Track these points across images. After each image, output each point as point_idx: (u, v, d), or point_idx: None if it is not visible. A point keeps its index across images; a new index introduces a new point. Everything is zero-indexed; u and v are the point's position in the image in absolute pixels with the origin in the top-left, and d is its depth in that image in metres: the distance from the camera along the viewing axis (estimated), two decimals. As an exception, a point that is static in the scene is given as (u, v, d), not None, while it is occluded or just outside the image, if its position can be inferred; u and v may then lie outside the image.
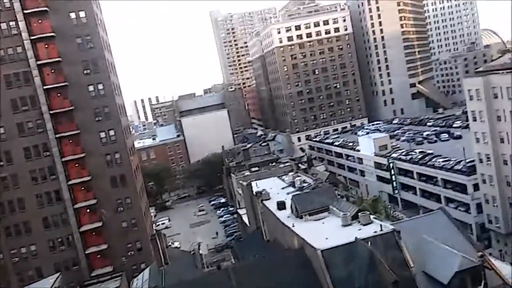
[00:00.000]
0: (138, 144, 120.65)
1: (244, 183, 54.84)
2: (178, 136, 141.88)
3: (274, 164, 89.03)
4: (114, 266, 55.48)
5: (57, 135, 54.71)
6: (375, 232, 29.08)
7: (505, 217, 58.13)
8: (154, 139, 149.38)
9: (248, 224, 60.19)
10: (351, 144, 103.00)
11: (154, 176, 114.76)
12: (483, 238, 62.52)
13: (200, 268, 45.27)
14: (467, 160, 65.67)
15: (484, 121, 58.67)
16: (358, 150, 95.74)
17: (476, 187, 62.66)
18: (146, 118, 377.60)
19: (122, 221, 57.12)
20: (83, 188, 56.08)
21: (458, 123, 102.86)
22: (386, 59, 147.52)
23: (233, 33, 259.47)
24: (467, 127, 79.46)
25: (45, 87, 54.15)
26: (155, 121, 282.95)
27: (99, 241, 56.13)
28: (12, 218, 53.86)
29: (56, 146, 54.57)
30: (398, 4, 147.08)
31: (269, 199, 45.02)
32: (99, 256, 56.11)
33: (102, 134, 56.68)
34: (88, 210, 56.23)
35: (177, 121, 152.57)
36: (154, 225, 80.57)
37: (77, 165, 55.98)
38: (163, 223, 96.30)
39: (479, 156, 61.08)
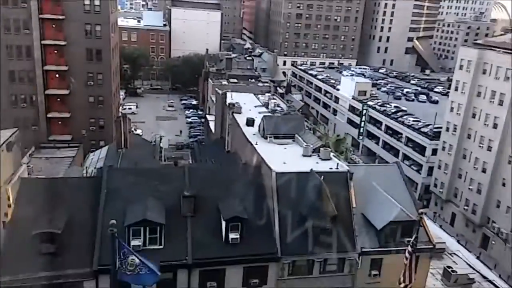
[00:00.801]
0: (121, 22, 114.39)
1: (220, 91, 54.38)
2: (165, 26, 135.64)
3: (253, 81, 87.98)
4: (73, 136, 55.83)
5: (38, -12, 51.23)
6: (331, 168, 30.33)
7: (450, 184, 61.93)
8: (139, 21, 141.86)
9: (213, 131, 60.96)
10: (333, 81, 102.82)
11: (131, 60, 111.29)
12: (424, 198, 66.93)
13: (157, 159, 46.32)
14: (435, 126, 67.68)
15: (464, 93, 59.66)
16: (338, 89, 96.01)
17: (434, 152, 65.47)
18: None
19: (89, 95, 56.41)
20: (56, 52, 54.11)
21: (439, 88, 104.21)
22: (394, 5, 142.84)
23: None
24: (446, 94, 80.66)
25: None
26: (143, 2, 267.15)
27: (63, 108, 55.64)
28: (-24, 62, 51.77)
29: (35, -1, 51.27)
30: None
31: (240, 113, 45.22)
32: (59, 122, 56.02)
33: (86, 1, 53.55)
34: (57, 75, 54.83)
35: (167, 10, 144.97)
36: (121, 107, 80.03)
37: (54, 26, 53.27)
38: (130, 108, 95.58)
39: (447, 124, 63.01)
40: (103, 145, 51.25)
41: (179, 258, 25.06)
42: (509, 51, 56.69)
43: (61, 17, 52.79)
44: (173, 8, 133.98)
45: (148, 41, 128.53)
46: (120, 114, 56.46)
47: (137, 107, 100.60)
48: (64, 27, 53.39)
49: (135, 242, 24.21)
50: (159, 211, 25.66)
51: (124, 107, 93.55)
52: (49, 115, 55.07)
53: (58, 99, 55.34)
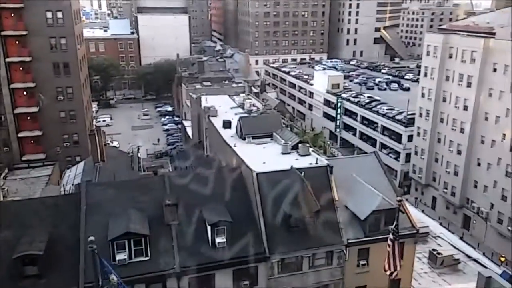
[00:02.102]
0: (87, 33, 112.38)
1: (194, 96, 54.21)
2: (132, 33, 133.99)
3: (227, 82, 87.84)
4: (47, 154, 54.48)
5: (-2, 5, 49.78)
6: (311, 164, 30.54)
7: (428, 169, 63.22)
8: (105, 31, 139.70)
9: (191, 137, 60.64)
10: (306, 77, 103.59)
11: (100, 70, 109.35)
12: (404, 185, 68.14)
13: (136, 170, 45.65)
14: (409, 112, 69.00)
15: (434, 78, 61.00)
16: (312, 84, 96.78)
17: (410, 138, 66.72)
18: (100, 7, 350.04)
19: (60, 110, 55.13)
20: (21, 68, 52.56)
21: (409, 76, 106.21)
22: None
23: None
24: (416, 81, 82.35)
25: None
26: (109, 11, 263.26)
27: (34, 126, 54.17)
28: None
29: (-6, 17, 49.76)
30: None
31: (216, 116, 45.16)
32: (32, 141, 54.54)
33: (49, 14, 52.36)
34: (25, 93, 53.38)
35: (133, 17, 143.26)
36: (94, 120, 78.63)
37: (17, 42, 51.80)
38: (104, 120, 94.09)
39: (420, 110, 64.30)
40: (79, 160, 50.17)
41: (167, 267, 24.77)
42: (473, 34, 58.27)
43: (23, 33, 51.39)
44: (139, 15, 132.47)
45: (117, 50, 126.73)
46: (94, 127, 55.33)
47: (111, 118, 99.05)
48: (28, 43, 52.03)
49: (120, 256, 23.81)
50: (142, 222, 25.29)
51: (98, 119, 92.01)
52: (20, 135, 53.55)
53: (28, 117, 53.88)
